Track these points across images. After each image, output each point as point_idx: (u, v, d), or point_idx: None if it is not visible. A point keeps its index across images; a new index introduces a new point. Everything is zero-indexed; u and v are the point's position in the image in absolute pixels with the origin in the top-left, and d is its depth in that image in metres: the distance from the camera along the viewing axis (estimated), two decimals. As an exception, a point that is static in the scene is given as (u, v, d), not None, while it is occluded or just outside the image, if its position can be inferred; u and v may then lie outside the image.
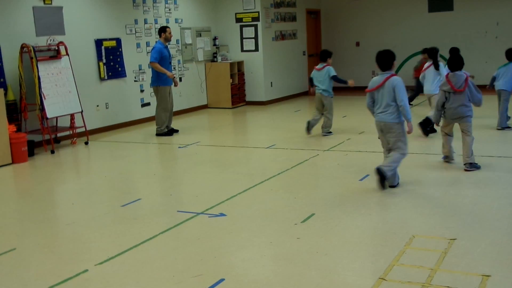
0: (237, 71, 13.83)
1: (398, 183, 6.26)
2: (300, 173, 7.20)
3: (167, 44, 10.18)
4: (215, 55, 13.78)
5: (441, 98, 6.98)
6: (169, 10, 12.46)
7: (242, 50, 13.97)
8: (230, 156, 8.62)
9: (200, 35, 13.46)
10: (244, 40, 13.92)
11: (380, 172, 6.03)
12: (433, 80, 9.04)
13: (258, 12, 13.61)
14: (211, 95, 13.80)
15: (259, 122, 12.00)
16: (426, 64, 9.34)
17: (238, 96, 13.89)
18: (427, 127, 9.02)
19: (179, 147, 9.22)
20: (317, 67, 9.60)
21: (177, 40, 12.73)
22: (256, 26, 13.70)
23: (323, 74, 9.49)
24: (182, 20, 12.88)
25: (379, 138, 6.47)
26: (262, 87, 13.96)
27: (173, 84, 10.33)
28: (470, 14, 14.82)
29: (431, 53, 9.21)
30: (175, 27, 12.52)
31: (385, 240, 4.71)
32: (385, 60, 6.18)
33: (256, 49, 13.80)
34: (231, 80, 13.56)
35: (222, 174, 7.47)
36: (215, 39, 13.88)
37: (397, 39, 15.59)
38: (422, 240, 4.66)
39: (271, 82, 14.19)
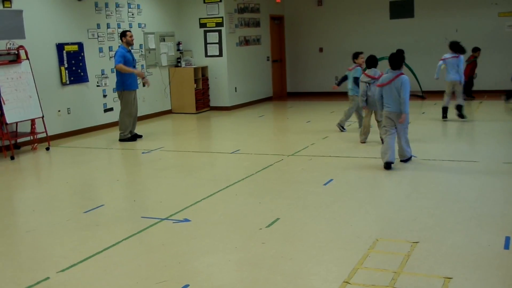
0: (201, 76, 13.79)
1: (411, 156, 7.61)
2: (264, 178, 7.21)
3: (129, 48, 10.09)
4: (179, 60, 13.72)
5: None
6: (132, 14, 12.36)
7: (206, 55, 13.94)
8: (194, 161, 8.58)
9: (164, 40, 13.38)
10: (208, 45, 13.90)
11: (404, 160, 7.50)
12: None
13: (222, 17, 13.61)
14: (175, 100, 13.72)
15: (223, 127, 11.98)
16: None
17: (202, 101, 13.85)
18: None
19: (143, 153, 9.13)
20: (349, 67, 10.12)
21: (140, 45, 12.63)
22: (220, 32, 13.69)
23: (351, 74, 9.99)
24: (145, 24, 12.79)
25: (384, 127, 7.46)
26: (226, 92, 13.96)
27: (144, 83, 10.32)
28: (430, 21, 15.12)
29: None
30: (138, 31, 12.43)
31: (349, 244, 4.75)
32: (397, 60, 7.29)
33: (220, 55, 13.79)
34: (195, 85, 13.52)
35: (186, 179, 7.42)
36: (179, 44, 13.82)
37: (359, 45, 15.72)
38: (386, 243, 4.71)
39: (235, 87, 14.20)
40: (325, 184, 6.68)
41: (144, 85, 10.62)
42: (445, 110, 10.89)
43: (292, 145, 9.25)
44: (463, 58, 10.70)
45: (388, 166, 7.23)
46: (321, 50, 16.44)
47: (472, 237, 4.81)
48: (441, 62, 10.80)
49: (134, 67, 10.14)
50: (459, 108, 10.70)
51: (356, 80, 9.66)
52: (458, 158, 7.81)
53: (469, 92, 13.30)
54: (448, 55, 10.72)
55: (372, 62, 8.89)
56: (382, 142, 7.79)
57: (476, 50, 13.35)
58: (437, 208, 5.64)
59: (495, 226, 5.05)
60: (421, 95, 14.07)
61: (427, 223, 5.20)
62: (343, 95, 15.48)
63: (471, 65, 13.26)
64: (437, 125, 10.54)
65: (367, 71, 8.89)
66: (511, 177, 6.79)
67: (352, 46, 15.86)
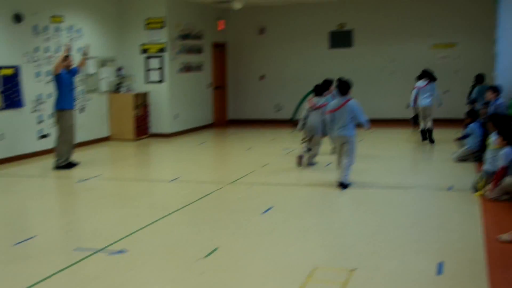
0: (142, 102, 13.64)
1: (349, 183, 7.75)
2: (204, 206, 7.14)
3: (79, 71, 10.05)
4: (119, 85, 13.53)
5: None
6: (72, 39, 12.12)
7: (147, 81, 13.82)
8: (132, 190, 8.40)
9: (104, 65, 13.19)
10: (149, 71, 13.80)
11: (342, 184, 7.63)
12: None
13: (164, 43, 13.57)
14: (114, 126, 13.48)
15: (163, 154, 11.85)
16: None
17: (142, 128, 13.66)
18: None
19: (79, 181, 8.88)
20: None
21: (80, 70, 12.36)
22: (162, 58, 13.63)
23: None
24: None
25: (333, 150, 8.07)
26: (167, 119, 13.84)
27: (83, 61, 10.39)
28: (368, 51, 15.55)
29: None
30: (78, 56, 12.18)
31: (288, 273, 4.73)
32: (344, 87, 7.73)
33: (162, 81, 13.71)
34: (135, 111, 13.34)
35: (123, 208, 7.25)
36: (119, 69, 13.65)
37: (300, 74, 16.06)
38: (324, 272, 4.72)
39: (176, 114, 14.11)
40: (264, 212, 6.66)
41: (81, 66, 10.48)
42: (423, 133, 11.58)
43: (232, 173, 9.22)
44: (435, 84, 11.56)
45: (341, 186, 7.70)
46: (262, 77, 16.60)
47: (408, 263, 4.89)
48: (415, 90, 11.59)
49: (71, 91, 9.87)
50: (429, 132, 11.36)
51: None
52: (396, 184, 7.98)
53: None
54: (420, 83, 11.56)
55: (319, 90, 9.42)
56: (300, 163, 9.13)
57: (420, 77, 13.81)
58: (375, 234, 5.72)
59: (430, 252, 5.15)
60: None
61: (365, 250, 5.26)
62: (283, 123, 15.69)
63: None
64: (376, 151, 10.76)
65: (313, 99, 9.32)
66: (445, 203, 6.98)
67: (293, 74, 16.16)
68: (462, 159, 9.40)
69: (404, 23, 15.24)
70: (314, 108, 9.19)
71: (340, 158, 7.81)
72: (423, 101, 11.41)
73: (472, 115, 9.91)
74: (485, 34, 13.61)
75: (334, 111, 7.75)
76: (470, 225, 5.93)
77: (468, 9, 14.61)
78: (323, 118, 8.77)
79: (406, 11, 15.07)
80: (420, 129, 11.75)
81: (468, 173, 8.38)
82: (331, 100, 8.83)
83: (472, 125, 9.55)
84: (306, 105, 9.46)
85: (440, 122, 12.95)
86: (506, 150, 6.79)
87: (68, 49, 9.93)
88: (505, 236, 5.31)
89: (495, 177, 6.86)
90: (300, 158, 9.40)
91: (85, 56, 10.47)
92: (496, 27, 10.54)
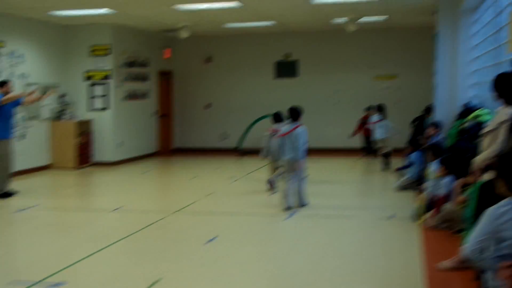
0: (85, 130, 13.37)
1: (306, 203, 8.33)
2: (147, 236, 7.00)
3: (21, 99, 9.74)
4: (61, 113, 13.24)
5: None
6: (14, 64, 11.82)
7: (91, 109, 13.60)
8: (72, 220, 8.16)
9: (47, 92, 12.87)
10: (93, 98, 13.58)
11: (302, 205, 8.25)
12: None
13: (110, 70, 13.41)
14: (56, 154, 13.13)
15: (105, 183, 11.60)
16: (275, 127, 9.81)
17: (85, 156, 13.37)
18: None
19: (17, 211, 8.56)
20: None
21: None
22: (106, 85, 13.45)
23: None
24: (28, 75, 12.26)
25: (283, 173, 8.43)
26: (110, 147, 13.61)
27: (36, 99, 10.05)
28: (313, 81, 15.83)
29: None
30: (20, 82, 11.88)
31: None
32: (295, 114, 8.32)
33: (106, 108, 13.51)
34: (78, 139, 13.06)
35: (63, 239, 7.02)
36: (62, 96, 13.37)
37: (246, 102, 16.17)
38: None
39: (121, 142, 13.90)
40: (209, 242, 6.58)
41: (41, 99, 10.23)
42: (386, 155, 12.13)
43: (176, 202, 9.11)
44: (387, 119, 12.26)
45: (287, 209, 8.03)
46: (208, 105, 16.61)
47: (351, 293, 4.91)
48: (371, 125, 12.40)
49: (9, 119, 9.58)
50: (386, 156, 11.94)
51: None
52: (339, 213, 8.05)
53: (369, 149, 13.80)
54: (376, 117, 12.21)
55: (277, 117, 9.77)
56: (270, 187, 9.42)
57: (368, 109, 14.21)
58: (318, 263, 5.73)
59: (372, 281, 5.19)
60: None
61: (308, 279, 5.25)
62: (229, 151, 15.69)
63: (365, 124, 13.85)
64: (319, 180, 10.85)
65: (274, 126, 9.60)
66: (387, 231, 7.09)
67: (239, 102, 16.25)
68: (404, 188, 9.60)
69: (347, 55, 15.63)
70: (276, 134, 9.33)
71: (289, 182, 8.18)
72: (379, 134, 12.11)
73: (413, 145, 10.20)
74: (425, 67, 14.07)
75: (284, 136, 8.24)
76: (411, 254, 6.03)
77: (409, 42, 15.12)
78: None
79: (349, 43, 15.46)
80: (382, 153, 12.34)
81: (410, 202, 8.56)
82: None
83: (414, 155, 9.80)
84: (266, 133, 9.66)
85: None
86: (447, 179, 6.97)
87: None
88: (445, 263, 5.41)
89: (435, 205, 7.03)
90: (271, 183, 9.55)
91: (44, 95, 10.16)
92: (435, 60, 10.93)
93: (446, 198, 6.93)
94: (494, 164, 3.76)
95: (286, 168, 8.33)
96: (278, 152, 8.50)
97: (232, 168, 13.21)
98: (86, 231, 7.47)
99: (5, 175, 9.50)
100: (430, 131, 9.83)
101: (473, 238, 3.55)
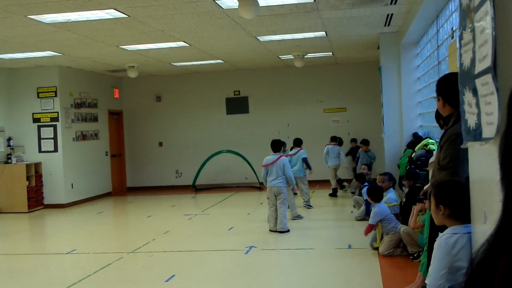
0: (35, 172, 13.08)
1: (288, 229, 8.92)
2: (103, 278, 6.85)
3: None
4: (9, 156, 12.94)
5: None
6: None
7: (40, 151, 13.33)
8: (25, 265, 7.92)
9: (-7, 135, 12.60)
10: (42, 140, 13.33)
11: (283, 232, 8.79)
12: None
13: (58, 112, 13.24)
14: (5, 199, 12.76)
15: (58, 226, 11.33)
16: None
17: (36, 199, 13.05)
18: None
19: (-35, 258, 8.26)
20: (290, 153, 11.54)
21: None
22: (55, 126, 13.25)
23: (296, 157, 11.42)
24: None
25: (268, 199, 9.04)
26: (62, 189, 13.33)
27: None
28: (264, 116, 16.01)
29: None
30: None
31: None
32: (277, 145, 9.18)
33: (56, 150, 13.27)
34: (27, 182, 12.75)
35: (16, 285, 6.80)
36: (9, 139, 13.08)
37: (199, 139, 16.20)
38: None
39: (72, 184, 13.64)
40: (166, 281, 6.51)
41: None
42: (335, 189, 12.97)
43: (132, 242, 8.98)
44: (340, 148, 13.23)
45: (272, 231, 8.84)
46: (160, 144, 16.55)
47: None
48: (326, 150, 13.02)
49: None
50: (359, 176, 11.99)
51: (305, 160, 11.36)
52: (299, 245, 8.09)
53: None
54: (330, 146, 13.02)
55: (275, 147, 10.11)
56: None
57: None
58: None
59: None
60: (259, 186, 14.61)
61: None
62: (184, 188, 15.60)
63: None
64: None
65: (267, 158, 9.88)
66: (346, 261, 7.17)
67: (191, 139, 16.25)
68: (360, 219, 9.75)
69: (296, 90, 15.89)
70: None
71: (272, 208, 8.93)
72: (333, 161, 12.97)
73: (360, 179, 10.73)
74: (374, 99, 14.48)
75: (268, 165, 9.02)
76: (371, 282, 6.11)
77: (357, 75, 15.51)
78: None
79: (298, 78, 15.75)
80: (332, 186, 13.01)
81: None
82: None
83: (364, 189, 10.01)
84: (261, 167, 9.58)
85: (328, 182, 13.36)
86: (375, 209, 7.35)
87: None
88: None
89: (364, 231, 7.44)
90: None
91: None
92: (381, 93, 11.26)
93: (372, 226, 7.29)
94: (432, 192, 3.54)
95: (270, 195, 8.97)
96: (263, 179, 9.15)
97: (187, 205, 13.13)
98: (41, 275, 7.27)
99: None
100: (406, 184, 9.55)
101: (434, 273, 3.42)
